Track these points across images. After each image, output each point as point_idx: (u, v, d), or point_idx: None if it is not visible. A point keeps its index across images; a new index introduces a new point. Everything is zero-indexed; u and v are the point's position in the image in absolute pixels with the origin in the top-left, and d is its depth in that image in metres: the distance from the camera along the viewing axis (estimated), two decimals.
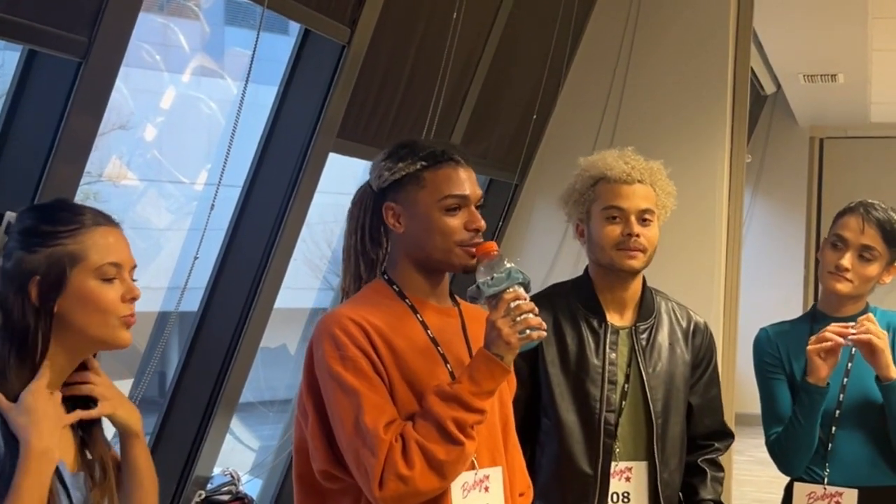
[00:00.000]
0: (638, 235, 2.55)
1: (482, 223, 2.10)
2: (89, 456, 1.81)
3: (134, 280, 1.78)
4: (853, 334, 2.72)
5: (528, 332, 1.97)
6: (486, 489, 2.11)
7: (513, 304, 1.97)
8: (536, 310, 1.99)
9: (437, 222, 2.08)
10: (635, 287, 2.64)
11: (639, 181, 2.58)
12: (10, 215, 1.76)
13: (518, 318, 1.97)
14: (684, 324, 2.69)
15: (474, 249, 2.08)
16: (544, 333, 1.99)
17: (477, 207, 2.12)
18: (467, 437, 1.98)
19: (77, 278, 1.69)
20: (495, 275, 1.99)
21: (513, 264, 2.01)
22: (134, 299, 1.74)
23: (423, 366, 2.06)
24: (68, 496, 1.73)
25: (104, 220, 1.75)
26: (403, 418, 2.01)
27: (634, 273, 2.61)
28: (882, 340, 2.71)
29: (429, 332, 2.10)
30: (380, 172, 2.14)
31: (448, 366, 2.09)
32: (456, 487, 2.06)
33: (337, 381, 2.00)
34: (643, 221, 2.57)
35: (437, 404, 1.97)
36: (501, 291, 1.98)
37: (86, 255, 1.70)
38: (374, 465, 1.94)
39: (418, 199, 2.09)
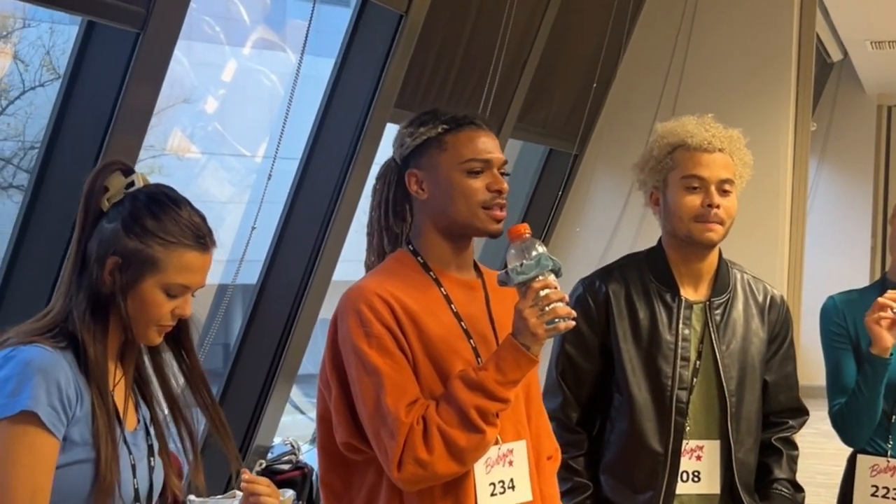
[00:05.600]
0: (718, 206, 2.45)
1: (504, 185, 2.07)
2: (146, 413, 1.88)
3: (193, 295, 1.84)
4: None
5: (556, 322, 1.93)
6: (510, 463, 2.08)
7: (542, 293, 1.93)
8: (566, 298, 1.95)
9: (460, 184, 2.05)
10: (711, 260, 2.55)
11: (719, 150, 2.48)
12: (138, 177, 1.81)
13: (546, 308, 1.92)
14: (760, 298, 2.60)
15: (497, 213, 2.06)
16: (572, 324, 1.95)
17: (502, 174, 2.09)
18: (489, 424, 1.96)
19: (147, 283, 1.77)
20: (524, 261, 1.93)
21: (544, 249, 1.95)
22: (182, 317, 1.81)
23: (447, 342, 2.04)
24: (129, 453, 1.80)
25: (201, 244, 1.80)
26: (426, 396, 1.99)
27: (712, 246, 2.52)
28: None
29: (452, 306, 2.08)
30: (402, 140, 2.12)
31: (471, 341, 2.07)
32: (479, 464, 2.03)
33: (360, 358, 1.98)
34: (723, 192, 2.47)
35: (462, 391, 1.95)
36: (531, 279, 1.93)
37: (164, 269, 1.77)
38: (394, 448, 1.94)
39: (440, 163, 2.07)
